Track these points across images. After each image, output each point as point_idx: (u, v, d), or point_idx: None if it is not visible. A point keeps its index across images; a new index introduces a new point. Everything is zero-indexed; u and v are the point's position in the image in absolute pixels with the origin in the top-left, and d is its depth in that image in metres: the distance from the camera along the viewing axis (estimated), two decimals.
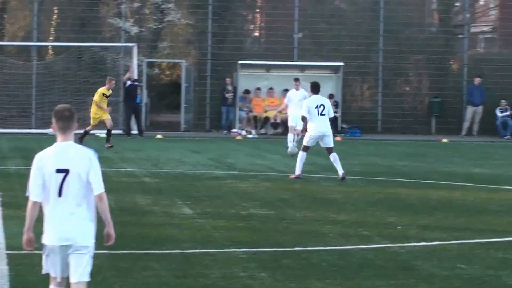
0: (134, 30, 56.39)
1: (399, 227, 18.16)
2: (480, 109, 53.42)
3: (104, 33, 60.90)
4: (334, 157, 24.38)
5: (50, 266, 8.37)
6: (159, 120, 58.01)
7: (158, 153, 38.42)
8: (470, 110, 53.83)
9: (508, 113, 53.34)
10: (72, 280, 8.25)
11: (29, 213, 8.29)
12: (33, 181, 8.18)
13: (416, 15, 62.19)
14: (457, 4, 62.05)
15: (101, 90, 37.16)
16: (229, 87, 53.81)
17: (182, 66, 55.80)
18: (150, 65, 58.78)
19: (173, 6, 57.67)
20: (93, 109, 36.81)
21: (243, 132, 52.30)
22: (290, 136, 37.92)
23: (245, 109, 53.98)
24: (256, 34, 66.60)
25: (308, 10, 60.70)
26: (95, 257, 8.69)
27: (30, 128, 51.32)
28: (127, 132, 49.86)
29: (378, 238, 17.02)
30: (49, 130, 44.21)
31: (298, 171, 25.31)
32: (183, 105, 53.34)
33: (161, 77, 63.30)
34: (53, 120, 8.16)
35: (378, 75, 56.53)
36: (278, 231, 17.36)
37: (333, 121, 25.62)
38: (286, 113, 47.59)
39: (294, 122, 37.30)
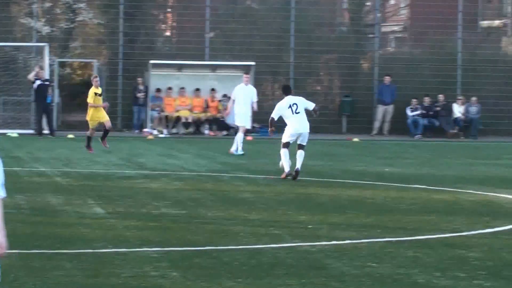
0: (46, 29, 56.47)
1: (310, 226, 18.27)
2: (390, 108, 54.29)
3: (15, 33, 60.59)
4: (300, 153, 24.58)
5: None
6: (70, 120, 57.31)
7: (69, 152, 38.21)
8: (380, 109, 54.70)
9: (418, 112, 54.15)
10: None
11: None
12: None
13: (327, 14, 62.93)
14: (368, 3, 62.75)
15: (92, 90, 35.52)
16: (141, 87, 53.95)
17: (93, 66, 55.54)
18: (62, 64, 58.53)
19: (85, 5, 57.65)
20: (90, 112, 34.85)
21: (155, 132, 52.42)
22: (239, 136, 36.79)
23: (156, 108, 54.15)
24: (168, 33, 66.79)
25: (219, 10, 61.25)
26: (6, 256, 7.72)
27: None
28: (39, 132, 49.69)
29: (289, 237, 17.08)
30: None
31: (286, 169, 25.17)
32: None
33: (73, 76, 62.50)
34: None
35: (289, 74, 56.79)
36: (190, 230, 17.41)
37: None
38: (205, 112, 50.32)
39: (243, 122, 36.55)
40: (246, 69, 50.27)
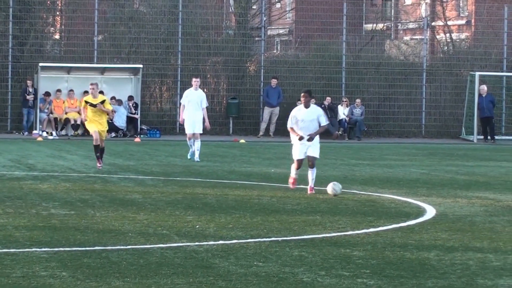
0: None
1: (197, 226, 18.32)
2: (276, 110, 55.07)
3: None
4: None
5: None
6: None
7: None
8: (267, 111, 55.33)
9: None
10: None
11: None
12: None
13: (214, 18, 63.07)
14: (254, 7, 63.81)
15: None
16: (30, 89, 53.59)
17: None
18: None
19: None
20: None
21: (44, 134, 52.37)
22: (197, 145, 36.22)
23: (45, 110, 53.81)
24: (57, 36, 66.01)
25: (107, 13, 62.36)
26: None
27: None
28: None
29: (176, 237, 17.07)
30: None
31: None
32: None
33: None
34: None
35: (177, 77, 56.95)
36: (79, 230, 17.12)
37: None
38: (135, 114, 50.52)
39: (191, 128, 35.57)
40: (195, 73, 49.63)
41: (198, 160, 35.42)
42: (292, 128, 24.34)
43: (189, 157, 36.91)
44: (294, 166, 24.55)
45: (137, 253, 15.46)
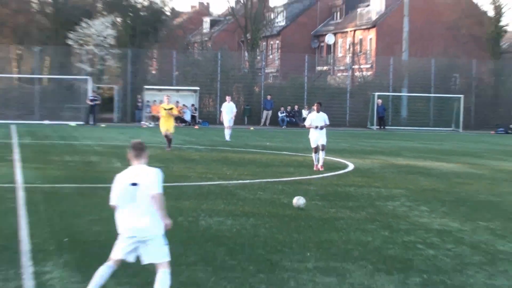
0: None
1: (227, 173, 22.39)
2: (270, 112, 60.98)
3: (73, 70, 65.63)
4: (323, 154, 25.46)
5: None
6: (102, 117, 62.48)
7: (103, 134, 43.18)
8: (265, 112, 60.85)
9: (284, 114, 60.94)
10: None
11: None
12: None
13: (237, 63, 68.56)
14: (258, 57, 69.39)
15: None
16: (139, 100, 57.97)
17: None
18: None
19: None
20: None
21: (147, 123, 56.15)
22: (226, 130, 41.03)
23: (147, 110, 57.92)
24: (154, 72, 70.12)
25: (180, 59, 66.34)
26: None
27: None
28: (86, 122, 55.14)
29: (217, 178, 21.12)
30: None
31: (315, 162, 24.57)
32: None
33: None
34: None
35: (217, 94, 61.36)
36: (167, 176, 18.25)
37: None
38: None
39: (227, 122, 39.21)
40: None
41: (229, 140, 39.06)
42: (310, 126, 24.85)
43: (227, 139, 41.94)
44: (313, 153, 25.53)
45: (196, 187, 20.21)
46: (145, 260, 8.65)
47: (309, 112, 29.04)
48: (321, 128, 24.90)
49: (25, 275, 10.03)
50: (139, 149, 8.63)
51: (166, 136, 31.08)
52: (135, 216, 8.44)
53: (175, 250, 10.59)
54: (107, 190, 10.73)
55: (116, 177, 8.53)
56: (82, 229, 13.58)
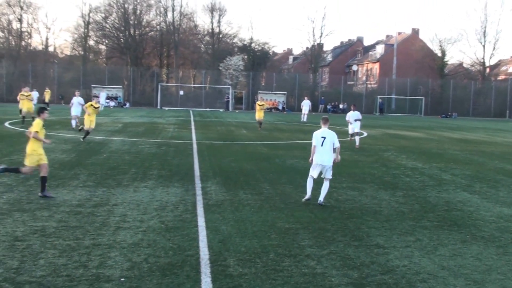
0: None
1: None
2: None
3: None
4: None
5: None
6: None
7: None
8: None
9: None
10: None
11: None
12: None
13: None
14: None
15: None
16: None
17: None
18: None
19: None
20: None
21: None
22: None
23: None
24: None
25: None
26: None
27: None
28: None
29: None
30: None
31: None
32: None
33: None
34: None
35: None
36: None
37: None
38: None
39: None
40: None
41: (305, 120, 39.82)
42: (348, 120, 23.12)
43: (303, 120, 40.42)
44: (350, 137, 23.71)
45: (285, 144, 23.36)
46: (326, 176, 10.76)
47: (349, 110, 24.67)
48: (355, 121, 22.93)
49: (197, 188, 11.96)
50: (326, 120, 11.11)
51: (259, 122, 30.20)
52: (322, 154, 10.83)
53: (274, 177, 13.72)
54: (239, 145, 15.80)
55: (314, 133, 11.04)
56: (226, 165, 15.61)
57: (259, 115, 30.12)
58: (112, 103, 60.30)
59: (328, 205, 10.67)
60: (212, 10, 76.36)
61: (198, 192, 11.32)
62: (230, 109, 60.71)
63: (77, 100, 26.11)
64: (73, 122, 26.01)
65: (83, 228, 8.22)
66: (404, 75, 73.90)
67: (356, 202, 11.01)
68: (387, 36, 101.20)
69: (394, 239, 8.24)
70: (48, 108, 14.84)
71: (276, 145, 22.00)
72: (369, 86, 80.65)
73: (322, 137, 11.19)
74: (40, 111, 10.94)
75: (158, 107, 61.88)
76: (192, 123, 34.68)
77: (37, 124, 10.57)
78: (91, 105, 22.07)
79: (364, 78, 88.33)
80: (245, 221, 9.05)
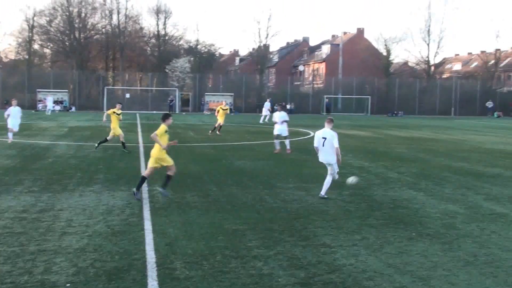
0: None
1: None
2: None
3: None
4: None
5: None
6: None
7: None
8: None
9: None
10: None
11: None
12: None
13: None
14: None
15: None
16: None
17: None
18: None
19: None
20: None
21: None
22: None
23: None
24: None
25: None
26: None
27: None
28: None
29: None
30: None
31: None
32: None
33: None
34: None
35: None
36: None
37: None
38: None
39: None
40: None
41: (261, 122, 39.29)
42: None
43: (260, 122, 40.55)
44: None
45: (232, 145, 23.51)
46: (329, 172, 11.42)
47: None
48: (282, 122, 20.62)
49: (144, 191, 11.89)
50: (330, 120, 11.79)
51: (220, 125, 29.75)
52: (325, 154, 11.53)
53: (221, 179, 13.79)
54: (186, 147, 16.22)
55: (315, 133, 11.71)
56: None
57: (222, 119, 29.75)
58: (57, 107, 60.16)
59: (277, 205, 10.82)
60: (157, 12, 76.57)
61: (145, 195, 11.28)
62: (176, 111, 61.07)
63: (14, 110, 23.07)
64: (10, 135, 22.98)
65: (28, 234, 8.22)
66: (350, 74, 74.80)
67: (303, 202, 11.13)
68: (333, 36, 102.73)
69: (341, 238, 8.33)
70: None
71: (224, 146, 22.22)
72: (315, 86, 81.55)
73: (323, 137, 11.66)
74: None
75: (105, 111, 60.69)
76: (139, 126, 34.66)
77: None
78: (114, 112, 20.11)
79: (310, 78, 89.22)
80: (192, 223, 9.06)
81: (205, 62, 76.52)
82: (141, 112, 59.14)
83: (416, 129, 37.85)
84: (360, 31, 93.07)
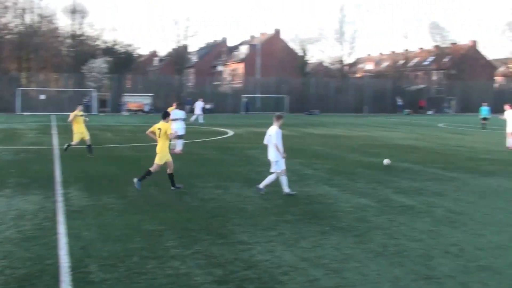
0: None
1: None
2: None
3: None
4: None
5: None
6: None
7: None
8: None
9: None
10: None
11: None
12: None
13: None
14: None
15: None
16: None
17: None
18: None
19: None
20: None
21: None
22: None
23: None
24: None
25: None
26: None
27: None
28: None
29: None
30: None
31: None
32: None
33: None
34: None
35: None
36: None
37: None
38: None
39: None
40: None
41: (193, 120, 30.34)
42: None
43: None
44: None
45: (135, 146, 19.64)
46: (270, 169, 11.63)
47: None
48: (179, 120, 20.02)
49: (58, 194, 11.61)
50: (277, 117, 11.97)
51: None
52: (268, 151, 11.79)
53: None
54: (104, 148, 16.02)
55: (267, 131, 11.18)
56: (89, 169, 15.45)
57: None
58: None
59: (195, 204, 10.81)
60: (73, 12, 74.63)
61: (59, 198, 11.00)
62: (93, 112, 59.79)
63: None
64: None
65: None
66: (268, 74, 75.86)
67: (221, 200, 11.16)
68: (251, 36, 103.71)
69: (258, 235, 8.39)
70: None
71: (142, 147, 21.84)
72: (234, 86, 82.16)
73: (269, 134, 11.83)
74: None
75: (18, 113, 59.99)
76: (54, 128, 33.82)
77: None
78: (76, 115, 19.13)
79: (229, 78, 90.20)
80: (108, 225, 8.87)
81: (123, 62, 75.28)
82: (57, 113, 57.73)
83: (331, 127, 38.65)
84: (277, 32, 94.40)
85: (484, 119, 39.38)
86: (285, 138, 12.24)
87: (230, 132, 30.57)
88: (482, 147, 23.94)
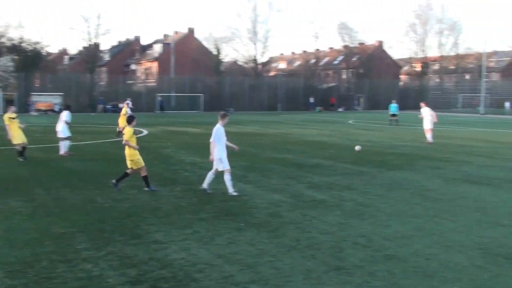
0: None
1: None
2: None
3: None
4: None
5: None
6: None
7: None
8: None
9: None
10: None
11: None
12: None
13: None
14: None
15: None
16: None
17: None
18: None
19: None
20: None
21: None
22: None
23: None
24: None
25: None
26: None
27: None
28: None
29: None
30: None
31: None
32: None
33: None
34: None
35: None
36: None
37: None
38: None
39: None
40: None
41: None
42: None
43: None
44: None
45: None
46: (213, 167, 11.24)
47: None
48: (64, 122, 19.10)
49: None
50: (221, 115, 11.87)
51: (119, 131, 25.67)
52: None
53: (49, 182, 13.39)
54: (10, 150, 15.38)
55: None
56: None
57: (122, 121, 27.02)
58: None
59: (108, 205, 10.61)
60: None
61: None
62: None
63: None
64: None
65: None
66: (182, 73, 76.04)
67: (135, 200, 11.03)
68: (165, 35, 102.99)
69: (173, 234, 8.32)
70: None
71: (51, 148, 21.28)
72: (148, 84, 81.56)
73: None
74: None
75: None
76: None
77: None
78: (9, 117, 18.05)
79: (143, 77, 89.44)
80: (15, 230, 8.53)
81: (31, 60, 72.20)
82: None
83: (246, 125, 38.96)
84: (191, 31, 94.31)
85: (393, 115, 40.92)
86: (199, 137, 12.05)
87: (145, 131, 30.32)
88: (389, 142, 24.85)
